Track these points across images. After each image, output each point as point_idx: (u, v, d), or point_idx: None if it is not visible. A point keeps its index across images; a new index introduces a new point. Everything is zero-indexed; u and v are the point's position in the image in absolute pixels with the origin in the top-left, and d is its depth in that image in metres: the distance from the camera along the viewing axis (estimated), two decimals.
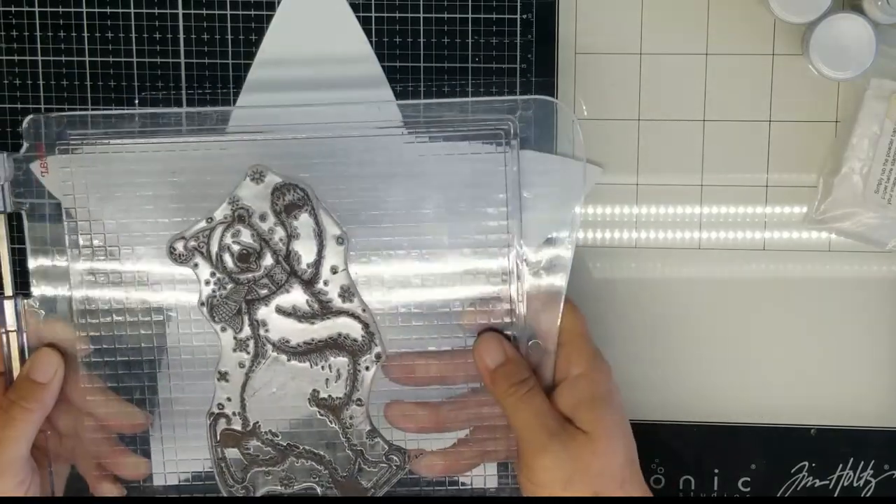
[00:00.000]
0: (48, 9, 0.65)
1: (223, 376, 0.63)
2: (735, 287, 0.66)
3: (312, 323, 0.63)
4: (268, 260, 0.62)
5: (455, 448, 0.64)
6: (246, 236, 0.62)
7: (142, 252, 0.63)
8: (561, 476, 0.59)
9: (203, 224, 0.62)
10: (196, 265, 0.63)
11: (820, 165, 0.65)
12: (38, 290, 0.63)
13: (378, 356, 0.63)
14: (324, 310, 0.63)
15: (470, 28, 0.64)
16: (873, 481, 0.67)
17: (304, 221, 0.62)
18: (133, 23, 0.65)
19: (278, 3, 0.64)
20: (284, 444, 0.64)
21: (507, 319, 0.63)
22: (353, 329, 0.63)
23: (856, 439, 0.67)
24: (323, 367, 0.63)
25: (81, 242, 0.62)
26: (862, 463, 0.67)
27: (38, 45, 0.65)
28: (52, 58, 0.65)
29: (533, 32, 0.64)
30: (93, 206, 0.62)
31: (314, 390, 0.64)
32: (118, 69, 0.65)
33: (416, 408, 0.63)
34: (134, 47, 0.65)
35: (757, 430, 0.67)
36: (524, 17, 0.64)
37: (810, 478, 0.67)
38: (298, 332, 0.63)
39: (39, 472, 0.62)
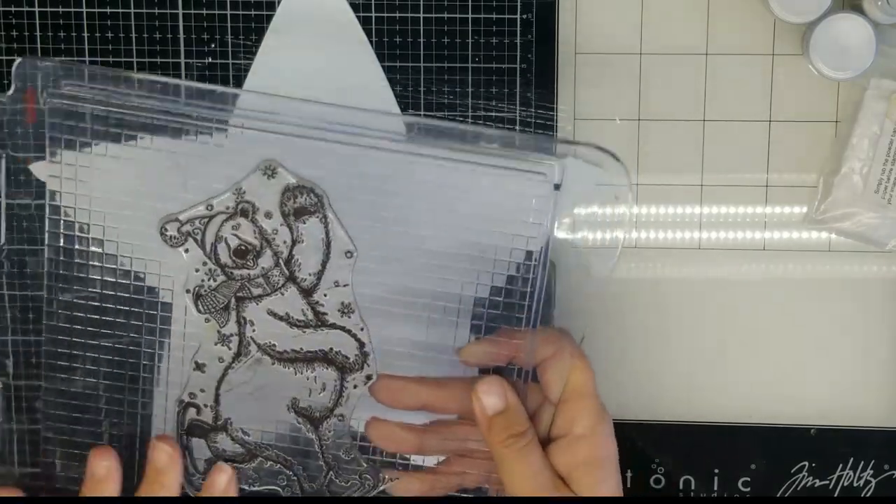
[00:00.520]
0: (48, 9, 0.65)
1: (199, 367, 0.61)
2: (735, 287, 0.66)
3: (304, 331, 0.61)
4: (267, 260, 0.60)
5: (433, 473, 0.62)
6: (246, 232, 0.60)
7: (127, 226, 0.60)
8: None
9: (201, 209, 0.59)
10: (187, 250, 0.60)
11: (820, 165, 0.65)
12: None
13: (369, 377, 0.61)
14: (318, 321, 0.61)
15: (470, 28, 0.64)
16: (873, 481, 0.67)
17: (312, 228, 0.60)
18: (133, 23, 0.65)
19: (278, 3, 0.64)
20: (254, 444, 0.62)
21: (513, 358, 0.59)
22: (347, 346, 0.61)
23: (856, 439, 0.67)
24: (308, 377, 0.61)
25: (65, 203, 0.59)
26: (862, 463, 0.67)
27: (38, 46, 0.65)
28: (51, 58, 0.65)
29: (533, 32, 0.64)
30: (81, 162, 0.59)
31: (294, 398, 0.61)
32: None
33: (400, 430, 0.61)
34: (134, 47, 0.65)
35: (757, 430, 0.67)
36: (524, 17, 0.64)
37: (810, 478, 0.67)
38: (288, 337, 0.61)
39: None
